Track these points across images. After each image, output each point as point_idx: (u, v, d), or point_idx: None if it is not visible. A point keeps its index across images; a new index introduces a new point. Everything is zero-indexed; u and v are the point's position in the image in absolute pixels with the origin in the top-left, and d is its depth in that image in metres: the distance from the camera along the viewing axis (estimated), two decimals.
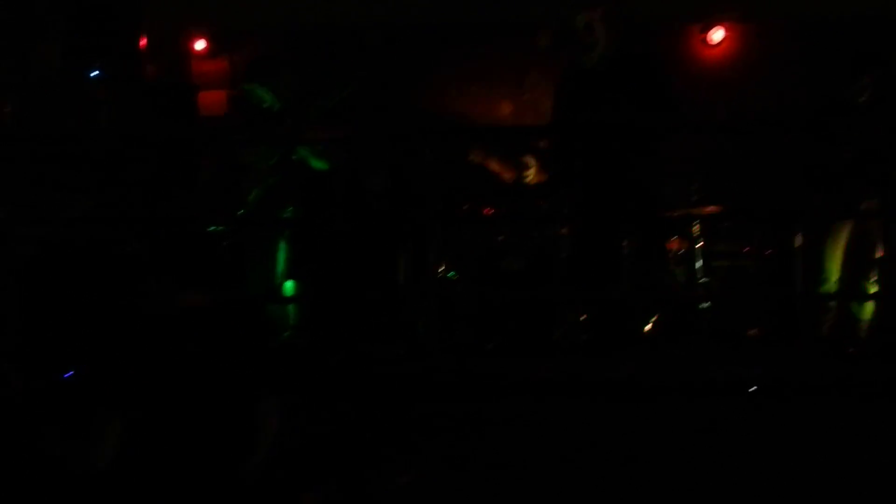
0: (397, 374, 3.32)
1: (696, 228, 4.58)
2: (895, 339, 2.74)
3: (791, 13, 5.51)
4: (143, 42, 4.51)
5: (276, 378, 2.39)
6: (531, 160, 5.20)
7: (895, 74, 4.09)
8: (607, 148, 3.55)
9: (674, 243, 4.75)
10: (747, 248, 4.97)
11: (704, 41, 5.81)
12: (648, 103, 3.42)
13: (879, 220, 3.80)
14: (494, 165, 5.18)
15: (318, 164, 3.90)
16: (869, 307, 3.92)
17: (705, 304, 4.44)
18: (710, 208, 4.66)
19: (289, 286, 3.96)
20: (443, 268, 4.62)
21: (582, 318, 4.08)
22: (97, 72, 4.26)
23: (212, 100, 5.46)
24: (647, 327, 4.28)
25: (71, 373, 2.38)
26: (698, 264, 4.55)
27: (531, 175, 5.21)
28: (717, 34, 5.76)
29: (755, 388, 2.69)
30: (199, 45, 5.81)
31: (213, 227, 4.23)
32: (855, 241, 3.91)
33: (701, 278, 4.55)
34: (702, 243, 4.58)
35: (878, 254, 3.78)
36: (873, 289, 3.87)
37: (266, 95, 3.88)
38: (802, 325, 4.53)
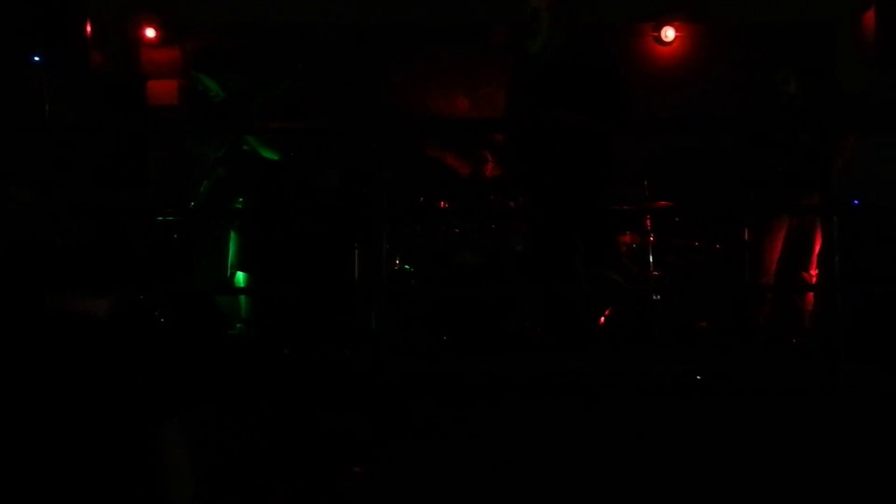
0: (349, 371, 3.30)
1: (648, 223, 4.66)
2: (835, 330, 2.82)
3: (735, 17, 5.66)
4: (88, 29, 4.37)
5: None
6: (486, 155, 5.22)
7: (832, 77, 4.25)
8: (557, 143, 3.56)
9: (626, 238, 4.83)
10: (698, 243, 5.08)
11: (658, 39, 5.91)
12: (598, 99, 3.43)
13: (819, 215, 3.92)
14: (450, 160, 5.18)
15: (268, 154, 3.84)
16: (811, 299, 4.06)
17: (657, 297, 4.53)
18: (662, 203, 4.75)
19: (240, 278, 3.89)
20: (398, 262, 4.63)
21: (536, 314, 4.11)
22: (39, 59, 4.12)
23: (162, 89, 5.34)
24: (601, 321, 4.34)
25: None
26: (650, 259, 4.63)
27: (487, 170, 5.23)
28: (668, 33, 5.86)
29: (699, 377, 2.75)
30: (150, 33, 5.67)
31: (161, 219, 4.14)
32: (797, 234, 4.04)
33: (653, 272, 4.63)
34: (653, 238, 4.66)
35: (818, 247, 3.91)
36: (814, 281, 4.00)
37: (211, 84, 3.81)
38: (749, 318, 4.65)
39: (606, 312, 4.42)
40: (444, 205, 4.96)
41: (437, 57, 5.82)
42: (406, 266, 4.65)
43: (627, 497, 2.47)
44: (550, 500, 2.47)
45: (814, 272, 4.04)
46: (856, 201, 4.81)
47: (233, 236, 3.88)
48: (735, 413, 2.67)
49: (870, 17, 4.36)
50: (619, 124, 3.52)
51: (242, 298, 3.87)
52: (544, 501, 2.46)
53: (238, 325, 3.82)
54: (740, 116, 4.45)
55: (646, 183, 4.83)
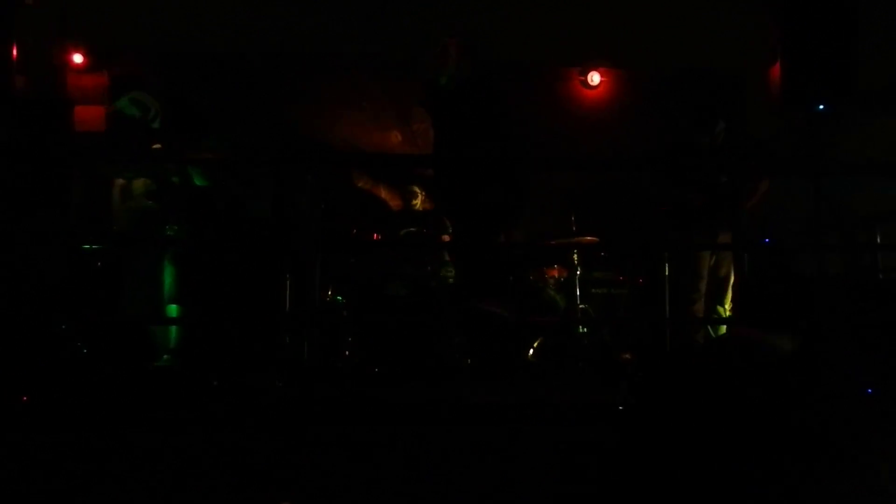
0: (278, 400, 3.27)
1: (574, 257, 4.82)
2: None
3: (654, 64, 6.00)
4: (14, 53, 4.26)
5: None
6: (417, 188, 5.31)
7: (744, 123, 4.54)
8: (472, 178, 3.72)
9: (554, 271, 4.97)
10: (622, 277, 5.27)
11: (584, 83, 6.18)
12: (482, 128, 3.64)
13: (732, 252, 4.14)
14: (382, 193, 5.23)
15: (199, 181, 3.79)
16: (724, 330, 4.26)
17: (584, 329, 4.66)
18: (588, 239, 4.92)
19: (172, 310, 3.80)
20: (329, 293, 4.62)
21: (465, 343, 4.16)
22: None
23: (89, 115, 5.24)
24: (530, 352, 4.43)
25: None
26: (577, 292, 4.78)
27: (419, 202, 5.32)
28: (594, 77, 6.14)
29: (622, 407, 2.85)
30: (77, 58, 5.58)
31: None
32: (712, 270, 4.26)
33: (580, 304, 4.77)
34: (580, 272, 4.82)
35: (732, 281, 4.12)
36: (728, 314, 4.21)
37: (150, 101, 3.76)
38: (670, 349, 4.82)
39: (535, 344, 4.52)
40: (377, 236, 5.00)
41: (370, 89, 5.91)
42: (338, 297, 4.65)
43: None
44: None
45: (728, 306, 4.24)
46: (766, 240, 5.10)
47: (167, 269, 3.80)
48: (655, 439, 2.77)
49: (776, 69, 4.69)
50: (521, 159, 3.70)
51: (173, 329, 3.79)
52: None
53: (165, 357, 3.74)
54: (662, 156, 4.69)
55: (573, 218, 5.00)
